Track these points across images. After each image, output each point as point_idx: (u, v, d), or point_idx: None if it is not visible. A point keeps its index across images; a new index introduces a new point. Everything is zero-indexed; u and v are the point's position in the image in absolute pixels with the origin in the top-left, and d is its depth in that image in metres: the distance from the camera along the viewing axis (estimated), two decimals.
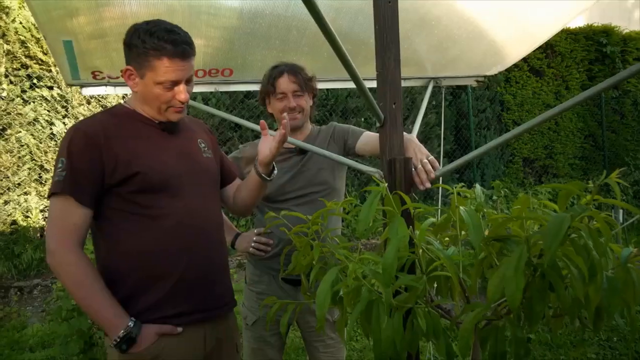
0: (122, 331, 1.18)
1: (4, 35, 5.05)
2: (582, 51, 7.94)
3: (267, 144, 1.43)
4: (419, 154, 1.30)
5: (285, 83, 1.77)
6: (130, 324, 1.20)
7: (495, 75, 2.43)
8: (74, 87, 5.40)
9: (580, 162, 8.06)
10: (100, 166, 1.22)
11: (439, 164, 1.29)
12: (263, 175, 1.46)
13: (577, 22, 8.12)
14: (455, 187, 1.08)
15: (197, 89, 2.17)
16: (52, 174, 5.02)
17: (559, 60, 7.82)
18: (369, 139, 1.77)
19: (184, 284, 1.29)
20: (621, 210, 4.64)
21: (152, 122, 1.35)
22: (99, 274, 1.24)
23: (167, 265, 1.28)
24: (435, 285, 1.12)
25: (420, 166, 1.23)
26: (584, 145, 8.08)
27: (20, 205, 5.00)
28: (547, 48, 7.67)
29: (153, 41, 1.22)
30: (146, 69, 1.25)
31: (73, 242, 1.21)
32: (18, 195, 5.01)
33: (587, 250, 0.80)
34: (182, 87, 1.29)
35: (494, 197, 4.73)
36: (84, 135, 1.24)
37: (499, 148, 7.32)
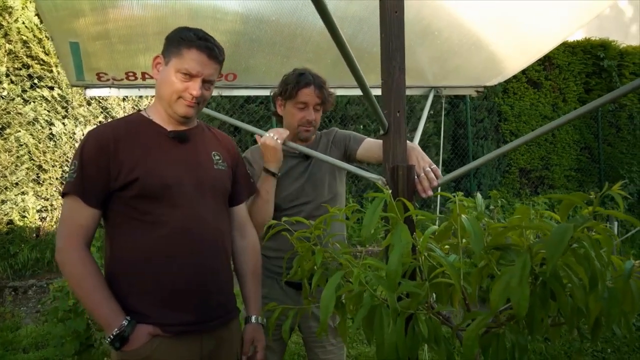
0: (116, 329, 1.21)
1: (6, 35, 5.05)
2: (580, 64, 8.02)
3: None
4: (422, 162, 1.32)
5: (310, 94, 1.74)
6: (124, 322, 1.23)
7: (494, 85, 2.47)
8: (74, 88, 5.36)
9: (576, 174, 8.11)
10: (106, 172, 1.27)
11: None
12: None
13: (576, 35, 8.20)
14: (456, 196, 1.09)
15: None
16: (50, 174, 5.05)
17: (557, 72, 7.89)
18: (370, 145, 1.79)
19: (179, 293, 1.30)
20: (616, 222, 4.68)
21: (163, 130, 1.38)
22: (100, 273, 1.27)
23: (161, 273, 1.29)
24: (435, 293, 1.13)
25: (422, 174, 1.25)
26: (580, 157, 8.13)
27: (17, 205, 4.98)
28: (545, 60, 7.74)
29: (189, 35, 1.34)
30: (173, 55, 1.34)
31: (78, 241, 1.26)
32: (15, 195, 4.99)
33: (588, 260, 0.81)
34: (197, 82, 1.33)
35: (491, 207, 4.76)
36: (95, 142, 1.29)
37: (496, 158, 7.35)
